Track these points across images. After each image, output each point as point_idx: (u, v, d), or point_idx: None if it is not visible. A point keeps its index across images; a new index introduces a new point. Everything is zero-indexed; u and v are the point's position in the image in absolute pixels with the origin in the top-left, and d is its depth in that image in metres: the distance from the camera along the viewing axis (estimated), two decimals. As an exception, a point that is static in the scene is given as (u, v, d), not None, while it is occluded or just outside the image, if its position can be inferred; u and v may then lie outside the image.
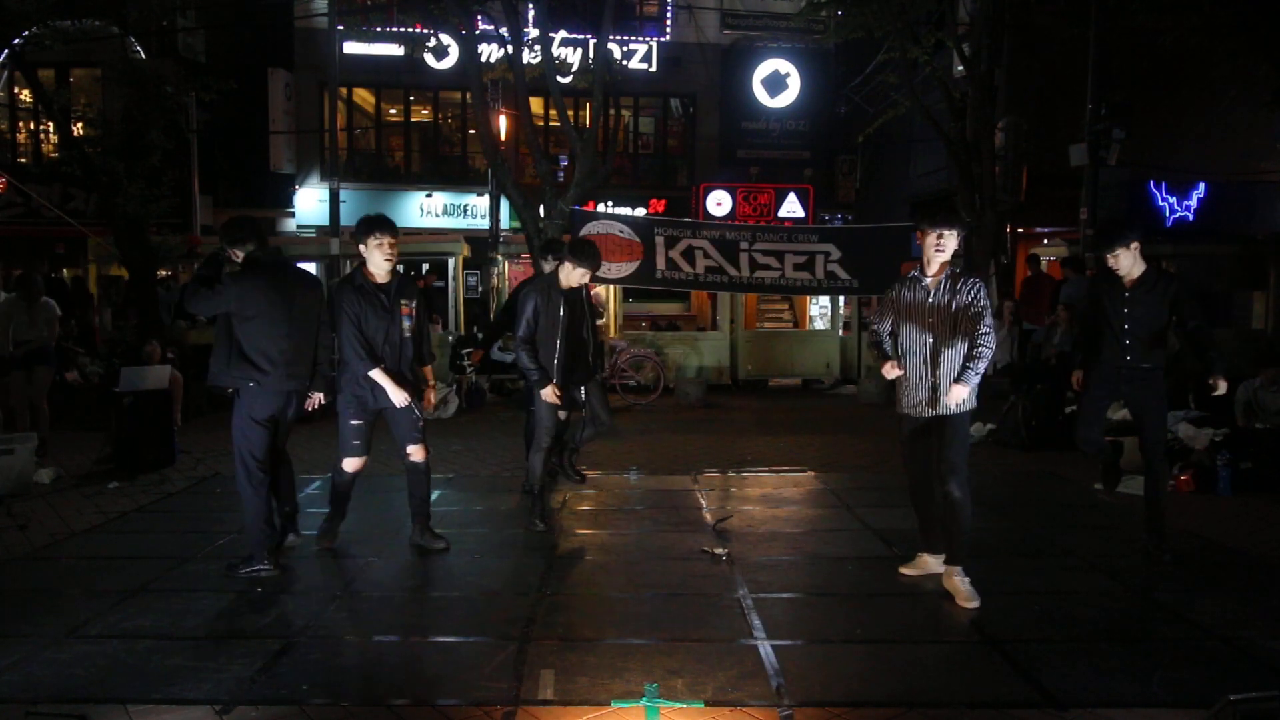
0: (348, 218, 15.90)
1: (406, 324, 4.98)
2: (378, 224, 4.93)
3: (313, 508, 6.26)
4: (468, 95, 17.02)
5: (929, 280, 4.42)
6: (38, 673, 3.50)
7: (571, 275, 5.60)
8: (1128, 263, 4.91)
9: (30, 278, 8.29)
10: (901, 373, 4.47)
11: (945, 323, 4.35)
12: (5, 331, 7.76)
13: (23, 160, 17.89)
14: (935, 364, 4.36)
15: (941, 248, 4.38)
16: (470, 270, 15.37)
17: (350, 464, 5.07)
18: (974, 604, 4.22)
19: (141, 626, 4.00)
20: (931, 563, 4.66)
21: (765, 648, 3.78)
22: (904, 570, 4.75)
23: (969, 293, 4.33)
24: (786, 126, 20.83)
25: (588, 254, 5.65)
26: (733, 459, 8.00)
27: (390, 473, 7.50)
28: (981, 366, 4.26)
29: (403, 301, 4.96)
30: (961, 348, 4.32)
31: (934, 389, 4.37)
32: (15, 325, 7.82)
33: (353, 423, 4.99)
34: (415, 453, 5.11)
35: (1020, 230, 15.97)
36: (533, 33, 15.11)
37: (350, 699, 3.30)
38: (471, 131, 19.13)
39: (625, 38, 19.67)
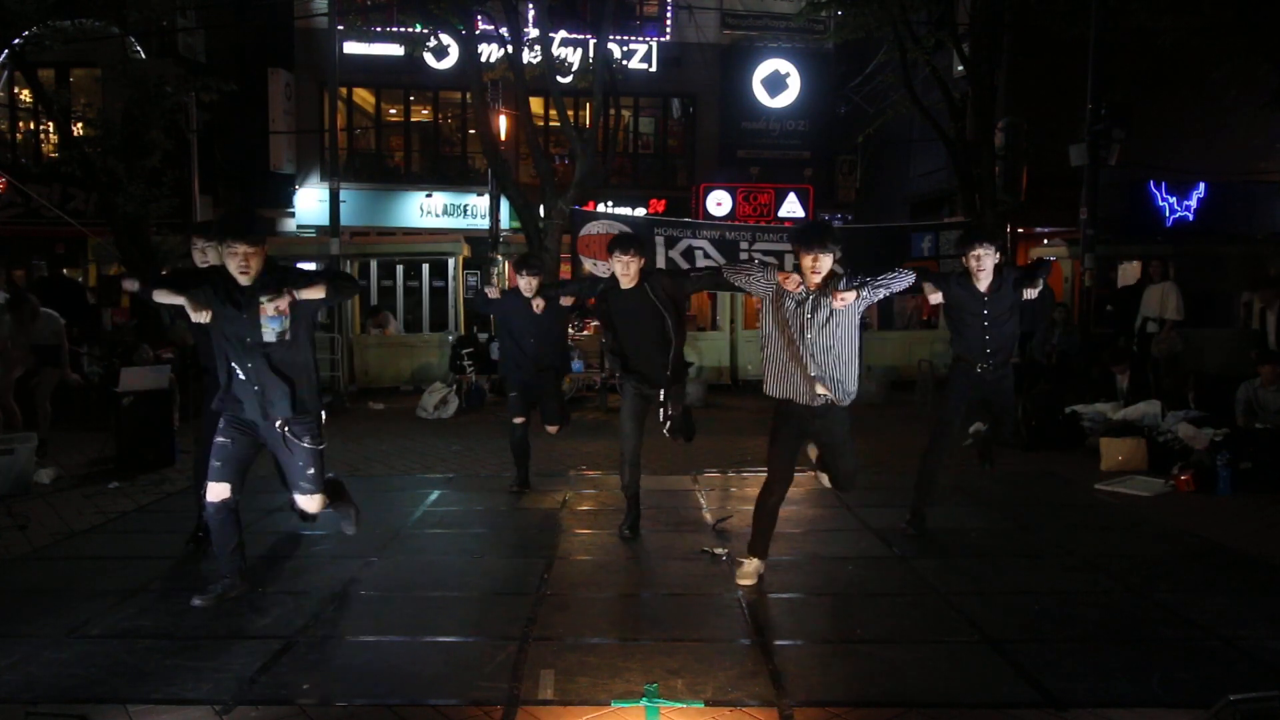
0: (348, 218, 15.94)
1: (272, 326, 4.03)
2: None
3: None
4: (468, 95, 17.01)
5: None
6: (38, 673, 3.50)
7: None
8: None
9: (23, 297, 8.23)
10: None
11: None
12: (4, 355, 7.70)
13: (23, 160, 17.88)
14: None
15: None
16: (470, 270, 15.37)
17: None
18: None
19: (141, 626, 4.00)
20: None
21: (765, 648, 3.78)
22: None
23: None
24: (786, 126, 20.82)
25: (530, 263, 6.29)
26: (733, 459, 8.00)
27: (390, 473, 7.51)
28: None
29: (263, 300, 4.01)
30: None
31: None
32: (14, 345, 7.78)
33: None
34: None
35: (1020, 230, 15.97)
36: (533, 33, 15.11)
37: (350, 699, 3.30)
38: (471, 131, 19.12)
39: (625, 38, 19.66)
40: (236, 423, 4.11)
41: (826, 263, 4.32)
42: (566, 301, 6.09)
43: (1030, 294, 5.09)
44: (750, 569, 4.57)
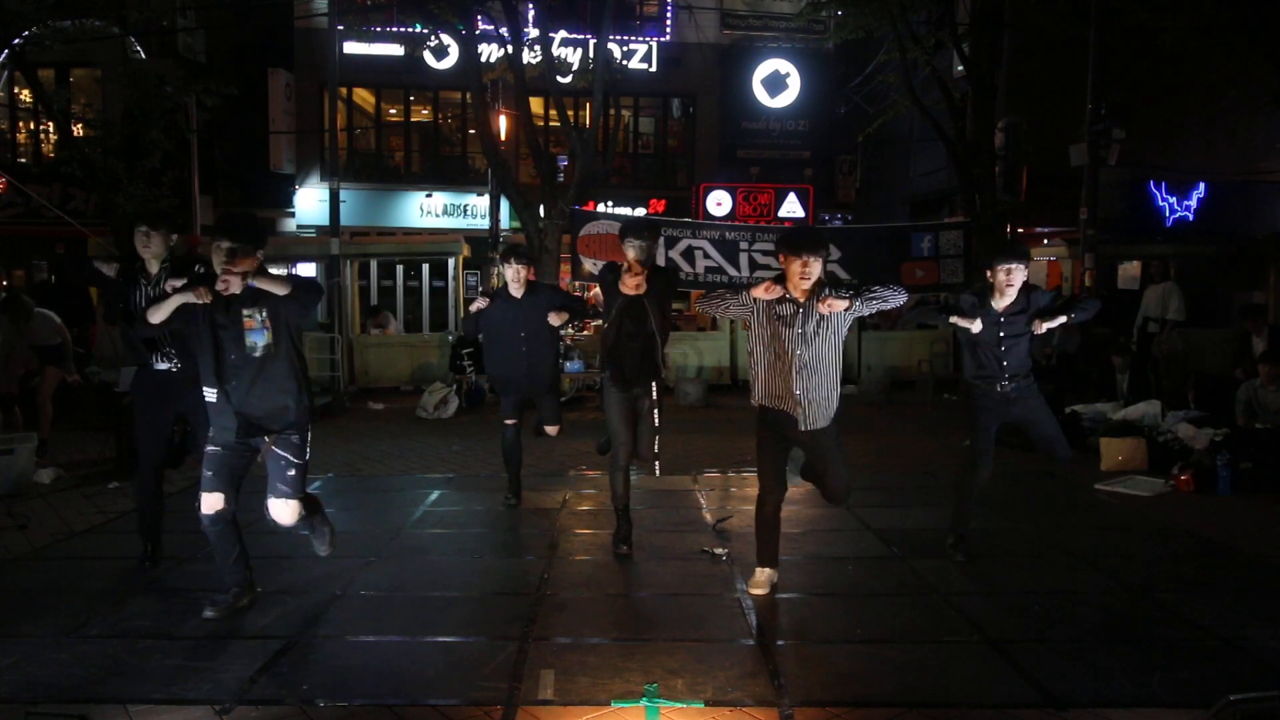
0: (348, 218, 15.92)
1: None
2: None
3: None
4: (468, 95, 17.01)
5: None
6: (38, 673, 3.50)
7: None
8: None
9: (17, 299, 8.22)
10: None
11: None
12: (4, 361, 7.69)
13: (23, 160, 17.89)
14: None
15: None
16: (470, 270, 15.37)
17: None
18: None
19: (141, 626, 4.00)
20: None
21: (765, 648, 3.78)
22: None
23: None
24: (786, 126, 20.82)
25: (518, 252, 6.05)
26: (733, 459, 8.00)
27: (389, 473, 7.52)
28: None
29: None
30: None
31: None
32: (12, 346, 7.77)
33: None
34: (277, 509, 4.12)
35: (1020, 230, 15.98)
36: (533, 33, 15.12)
37: (350, 699, 3.30)
38: (471, 131, 19.12)
39: (625, 38, 19.66)
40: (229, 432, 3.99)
41: (817, 269, 4.18)
42: (556, 319, 5.83)
43: (1039, 329, 4.87)
44: (763, 578, 4.47)
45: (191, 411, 4.63)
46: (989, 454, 5.00)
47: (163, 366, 4.71)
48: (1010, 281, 4.82)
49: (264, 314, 3.90)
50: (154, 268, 4.68)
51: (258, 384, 3.94)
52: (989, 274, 4.96)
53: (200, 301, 3.79)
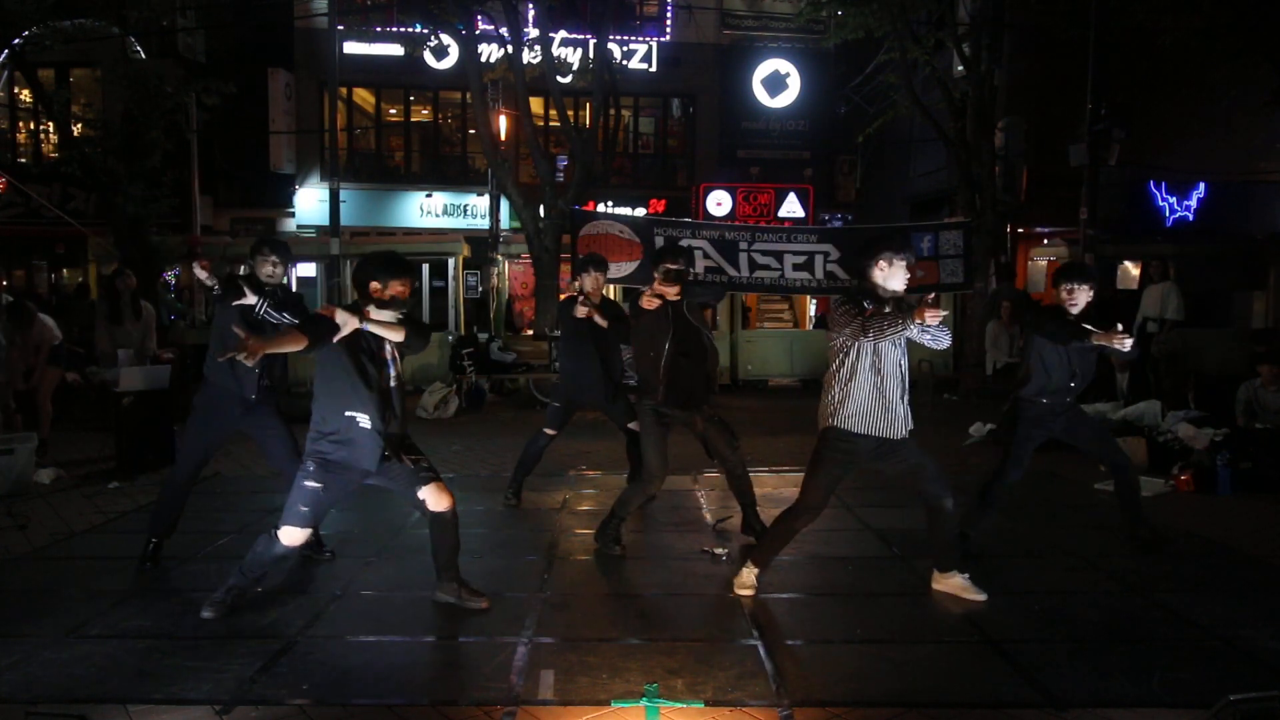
0: (348, 218, 15.93)
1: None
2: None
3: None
4: (468, 95, 17.00)
5: None
6: (38, 673, 3.50)
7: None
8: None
9: (20, 304, 8.23)
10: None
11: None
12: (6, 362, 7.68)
13: (23, 160, 17.90)
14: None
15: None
16: (470, 270, 15.38)
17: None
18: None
19: (141, 626, 4.00)
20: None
21: (765, 648, 3.78)
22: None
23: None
24: (786, 126, 20.83)
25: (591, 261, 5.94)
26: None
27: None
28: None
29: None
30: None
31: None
32: (13, 351, 7.76)
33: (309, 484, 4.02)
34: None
35: (1020, 230, 15.98)
36: (533, 33, 15.12)
37: (350, 699, 3.30)
38: (471, 131, 19.13)
39: (625, 38, 19.67)
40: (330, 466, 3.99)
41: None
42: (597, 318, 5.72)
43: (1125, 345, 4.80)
44: (750, 579, 4.45)
45: (259, 428, 4.84)
46: (1023, 465, 5.05)
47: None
48: (1073, 301, 4.85)
49: (390, 344, 4.04)
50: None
51: (400, 413, 4.09)
52: (1059, 292, 4.98)
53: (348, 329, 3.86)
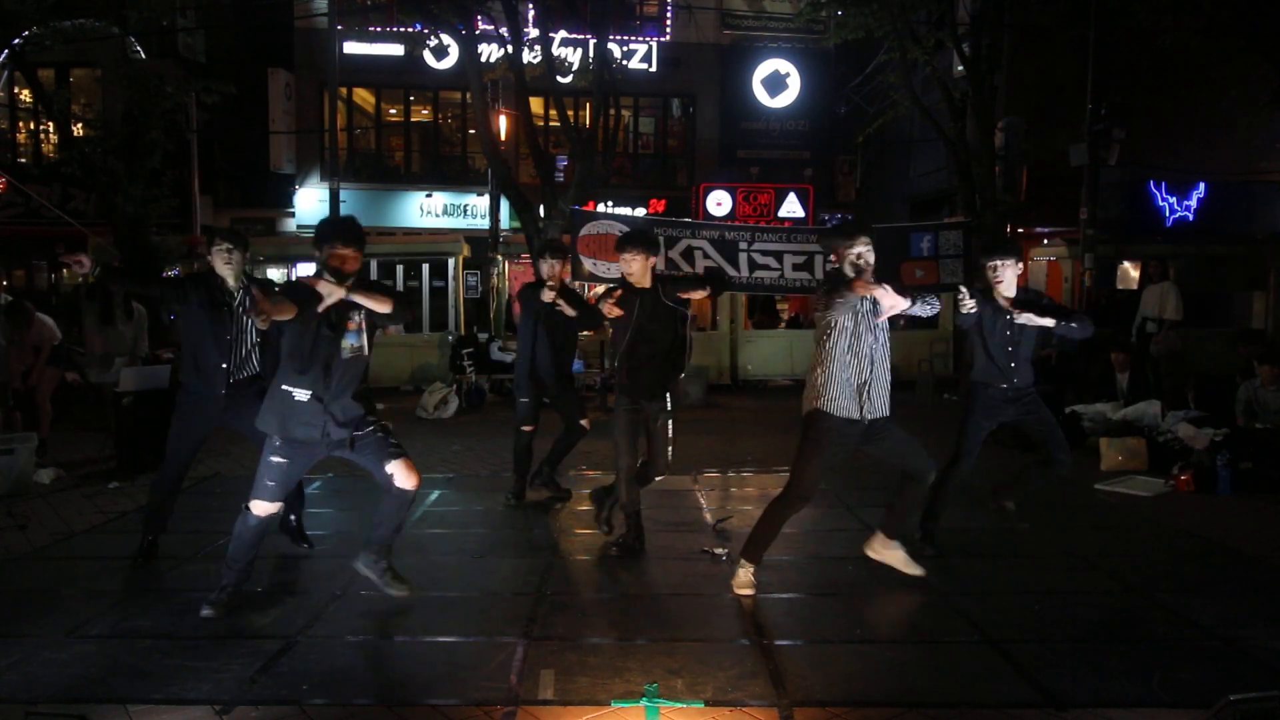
0: (348, 218, 15.89)
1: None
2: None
3: (313, 508, 6.27)
4: (468, 95, 17.00)
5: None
6: (38, 673, 3.50)
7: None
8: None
9: (19, 304, 8.23)
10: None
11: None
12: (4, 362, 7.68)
13: (23, 160, 17.89)
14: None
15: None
16: (470, 270, 15.37)
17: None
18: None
19: (141, 626, 4.00)
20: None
21: (765, 648, 3.78)
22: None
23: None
24: (786, 126, 20.82)
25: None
26: (733, 459, 8.00)
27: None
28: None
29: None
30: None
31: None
32: (11, 351, 7.77)
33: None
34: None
35: (1020, 230, 15.97)
36: (533, 33, 15.12)
37: (350, 699, 3.30)
38: (471, 131, 19.13)
39: (625, 38, 19.67)
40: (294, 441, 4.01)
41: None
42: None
43: (1018, 316, 4.81)
44: (747, 578, 4.45)
45: (239, 421, 4.77)
46: (974, 454, 5.06)
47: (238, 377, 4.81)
48: (998, 277, 4.84)
49: (361, 315, 3.98)
50: (232, 283, 4.76)
51: (345, 384, 4.01)
52: (985, 271, 5.01)
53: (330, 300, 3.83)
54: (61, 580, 4.67)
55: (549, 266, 5.99)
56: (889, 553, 4.61)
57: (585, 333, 8.73)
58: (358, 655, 3.74)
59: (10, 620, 4.05)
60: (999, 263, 4.87)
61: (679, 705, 3.25)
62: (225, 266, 4.75)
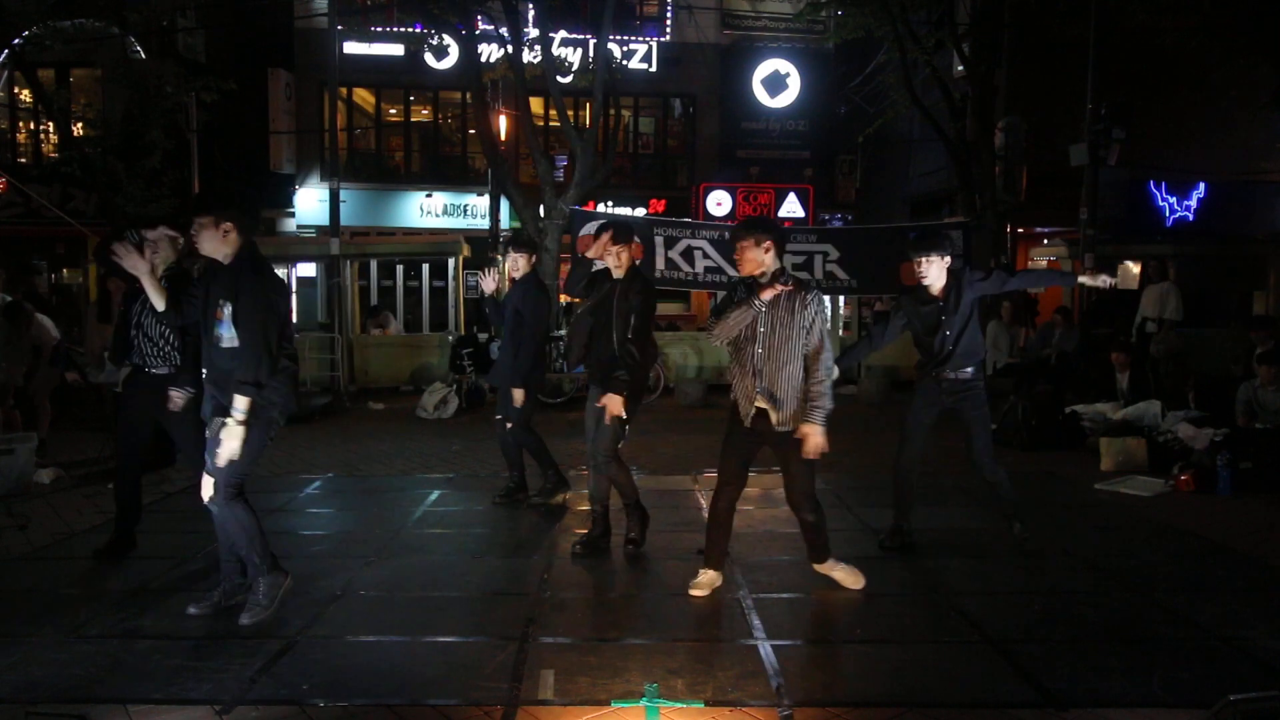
0: (348, 218, 15.93)
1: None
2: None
3: (313, 508, 6.28)
4: (468, 95, 17.01)
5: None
6: (38, 673, 3.50)
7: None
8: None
9: (18, 305, 8.23)
10: None
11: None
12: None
13: (23, 160, 17.89)
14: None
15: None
16: (470, 270, 15.37)
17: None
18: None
19: (141, 626, 4.00)
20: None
21: (765, 648, 3.78)
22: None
23: None
24: (786, 126, 20.83)
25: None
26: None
27: (389, 473, 7.51)
28: None
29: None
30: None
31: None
32: (10, 351, 7.77)
33: None
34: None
35: (1020, 230, 15.99)
36: (533, 33, 15.12)
37: (350, 699, 3.30)
38: (471, 131, 19.13)
39: (625, 38, 19.68)
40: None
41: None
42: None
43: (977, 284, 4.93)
44: (707, 580, 4.46)
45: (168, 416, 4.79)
46: (915, 440, 5.10)
47: (160, 371, 4.79)
48: (923, 273, 4.90)
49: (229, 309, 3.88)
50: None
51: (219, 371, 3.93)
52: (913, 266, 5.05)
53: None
54: (61, 580, 4.67)
55: (511, 261, 6.07)
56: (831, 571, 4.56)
57: None
58: (358, 655, 3.74)
59: (10, 620, 4.05)
60: (924, 258, 4.91)
61: (679, 705, 3.25)
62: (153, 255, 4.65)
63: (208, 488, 3.95)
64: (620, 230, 4.99)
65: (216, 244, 3.90)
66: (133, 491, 5.02)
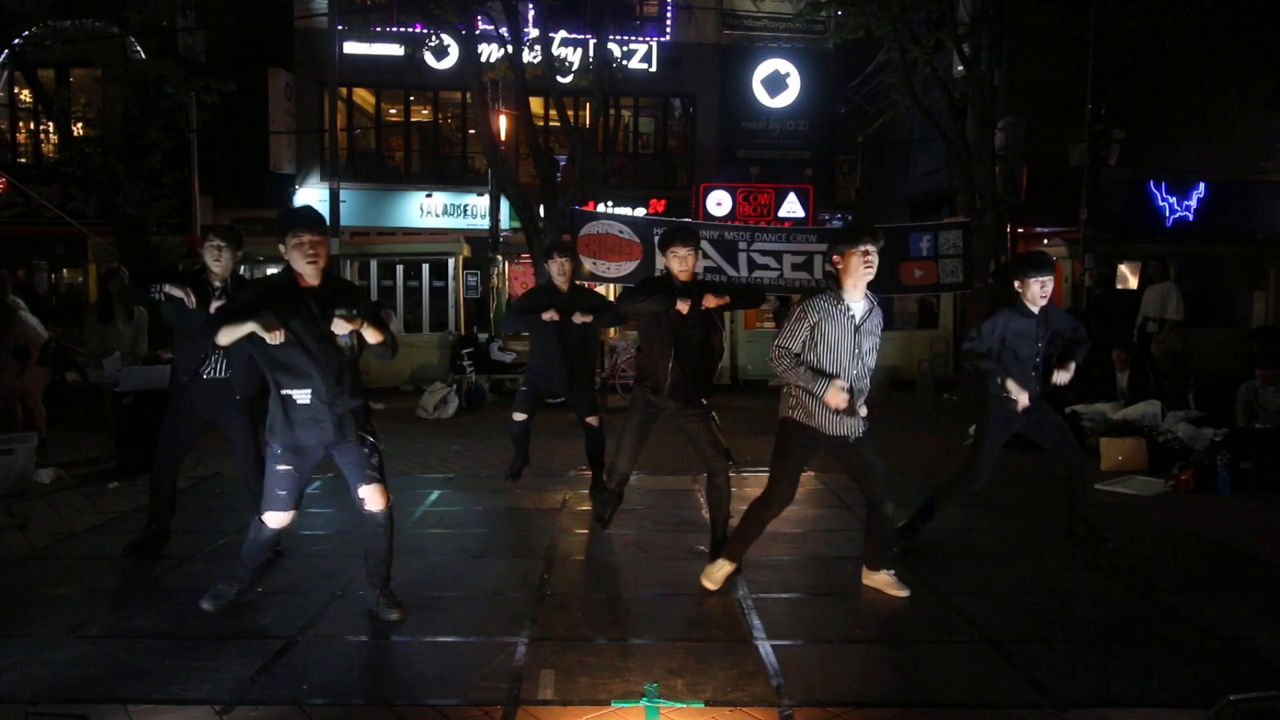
0: (348, 218, 15.93)
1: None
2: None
3: (313, 508, 6.27)
4: (468, 95, 17.01)
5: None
6: (38, 673, 3.50)
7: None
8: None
9: (2, 301, 8.18)
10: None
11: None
12: None
13: (23, 160, 17.90)
14: None
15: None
16: (470, 270, 15.39)
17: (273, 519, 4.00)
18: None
19: (141, 626, 4.00)
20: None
21: (765, 648, 3.78)
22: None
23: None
24: (786, 126, 20.82)
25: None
26: (732, 459, 7.97)
27: (390, 473, 7.50)
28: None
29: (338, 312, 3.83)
30: None
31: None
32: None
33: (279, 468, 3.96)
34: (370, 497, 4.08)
35: (1020, 230, 15.98)
36: (533, 33, 15.12)
37: (350, 699, 3.30)
38: (471, 131, 19.13)
39: (625, 38, 19.67)
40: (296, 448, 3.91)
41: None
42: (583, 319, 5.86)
43: (1061, 379, 5.02)
44: (722, 573, 4.49)
45: (222, 419, 4.84)
46: (990, 469, 5.07)
47: (221, 376, 4.85)
48: (1044, 294, 4.88)
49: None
50: (218, 282, 4.80)
51: (344, 382, 3.93)
52: (1019, 285, 4.96)
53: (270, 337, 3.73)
54: (61, 580, 4.68)
55: (559, 265, 6.01)
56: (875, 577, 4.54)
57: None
58: (358, 655, 3.74)
59: (10, 620, 4.05)
60: (1046, 279, 4.90)
61: (679, 705, 3.25)
62: (215, 263, 4.78)
63: (377, 498, 4.07)
64: (688, 235, 4.92)
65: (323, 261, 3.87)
66: (170, 488, 5.08)
